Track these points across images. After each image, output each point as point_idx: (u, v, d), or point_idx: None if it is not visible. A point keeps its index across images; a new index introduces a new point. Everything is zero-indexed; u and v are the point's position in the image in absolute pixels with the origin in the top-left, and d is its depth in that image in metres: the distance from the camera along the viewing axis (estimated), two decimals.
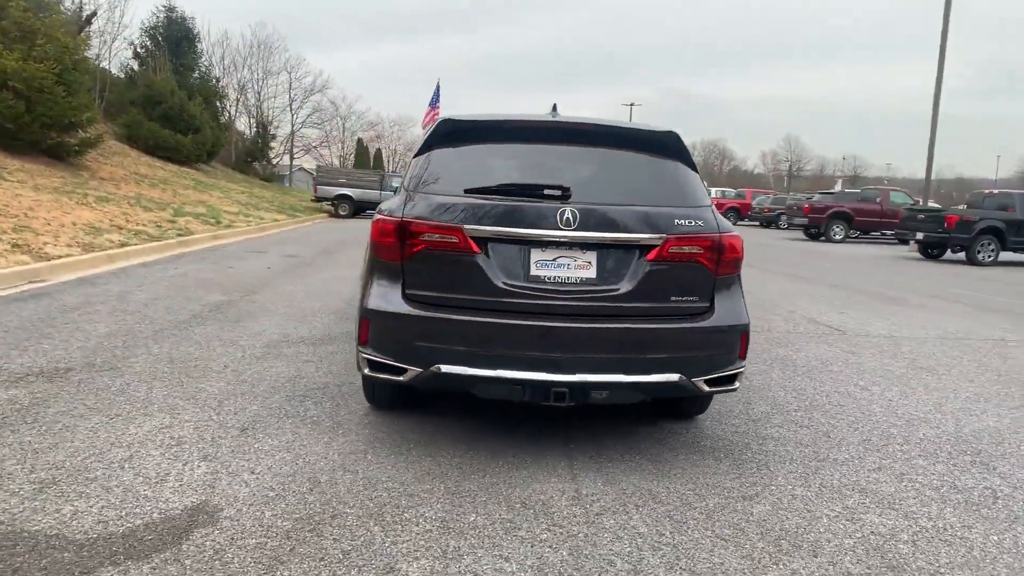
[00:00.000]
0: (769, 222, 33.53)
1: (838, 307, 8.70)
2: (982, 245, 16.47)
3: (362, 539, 2.59)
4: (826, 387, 4.93)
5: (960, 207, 22.15)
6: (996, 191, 19.07)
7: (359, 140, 58.63)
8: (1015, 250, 16.82)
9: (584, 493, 3.06)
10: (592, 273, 3.20)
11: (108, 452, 3.23)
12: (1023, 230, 16.58)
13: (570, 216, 3.17)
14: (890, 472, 3.46)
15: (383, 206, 3.47)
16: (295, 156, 51.57)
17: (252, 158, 39.17)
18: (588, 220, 3.18)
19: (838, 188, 39.21)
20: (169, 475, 3.02)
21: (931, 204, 25.67)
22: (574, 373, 3.10)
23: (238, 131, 40.63)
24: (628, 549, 2.61)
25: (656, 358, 3.20)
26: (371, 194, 25.84)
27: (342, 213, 26.41)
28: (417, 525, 2.71)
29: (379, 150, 62.05)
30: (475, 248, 3.14)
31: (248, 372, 4.62)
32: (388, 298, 3.18)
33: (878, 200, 24.52)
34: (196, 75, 31.42)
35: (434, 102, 4.54)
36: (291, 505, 2.82)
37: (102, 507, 2.72)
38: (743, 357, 3.40)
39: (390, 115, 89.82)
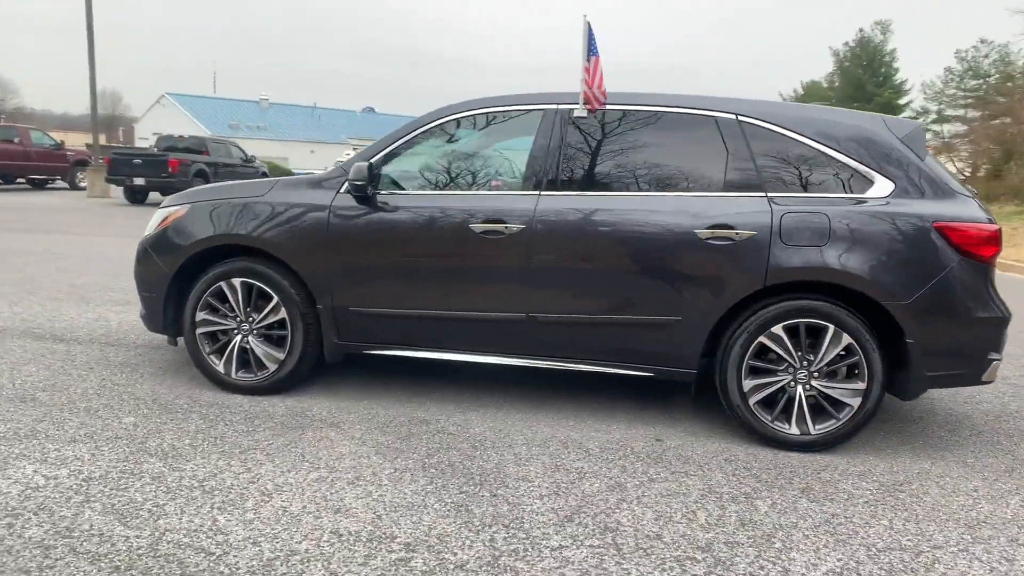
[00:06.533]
0: None
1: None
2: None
3: None
4: None
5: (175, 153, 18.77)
6: (187, 135, 21.06)
7: None
8: None
9: None
10: None
11: None
12: (220, 171, 18.72)
13: None
14: None
15: (952, 212, 3.37)
16: None
17: None
18: None
19: None
20: None
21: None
22: None
23: None
24: None
25: None
26: None
27: None
28: None
29: None
30: None
31: None
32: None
33: (17, 140, 20.94)
34: None
35: (594, 50, 3.69)
36: None
37: None
38: None
39: None
